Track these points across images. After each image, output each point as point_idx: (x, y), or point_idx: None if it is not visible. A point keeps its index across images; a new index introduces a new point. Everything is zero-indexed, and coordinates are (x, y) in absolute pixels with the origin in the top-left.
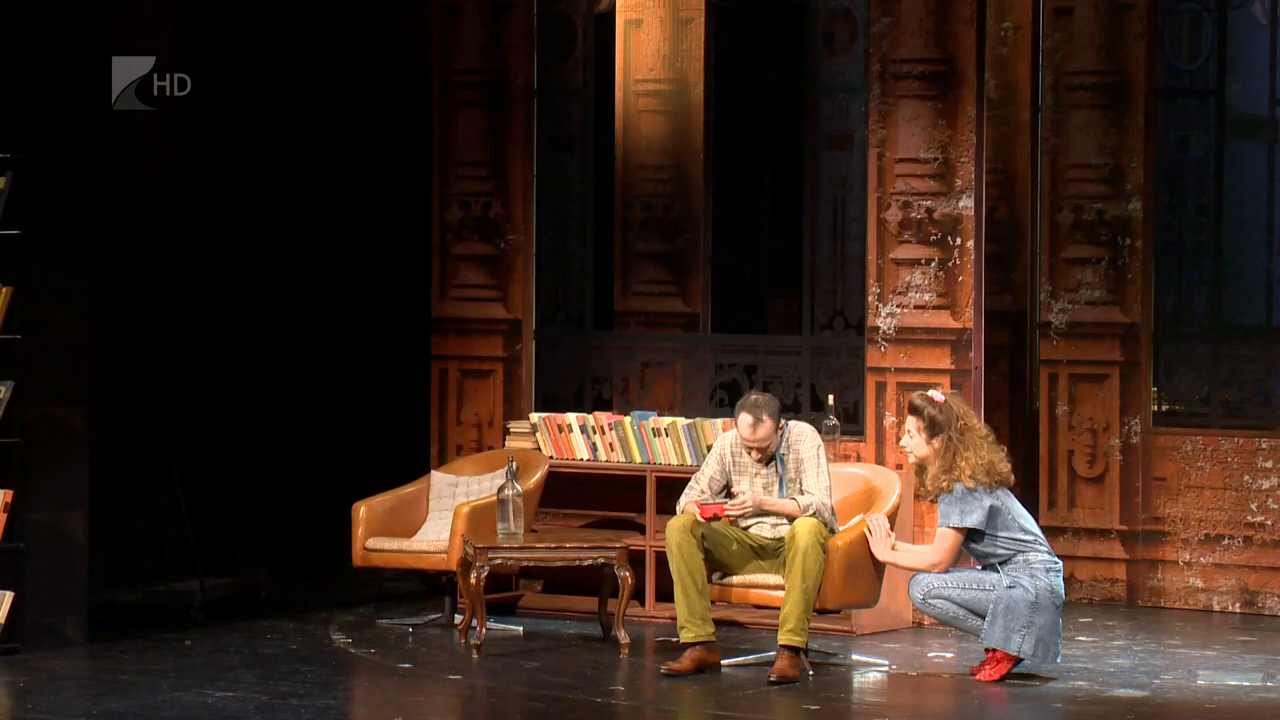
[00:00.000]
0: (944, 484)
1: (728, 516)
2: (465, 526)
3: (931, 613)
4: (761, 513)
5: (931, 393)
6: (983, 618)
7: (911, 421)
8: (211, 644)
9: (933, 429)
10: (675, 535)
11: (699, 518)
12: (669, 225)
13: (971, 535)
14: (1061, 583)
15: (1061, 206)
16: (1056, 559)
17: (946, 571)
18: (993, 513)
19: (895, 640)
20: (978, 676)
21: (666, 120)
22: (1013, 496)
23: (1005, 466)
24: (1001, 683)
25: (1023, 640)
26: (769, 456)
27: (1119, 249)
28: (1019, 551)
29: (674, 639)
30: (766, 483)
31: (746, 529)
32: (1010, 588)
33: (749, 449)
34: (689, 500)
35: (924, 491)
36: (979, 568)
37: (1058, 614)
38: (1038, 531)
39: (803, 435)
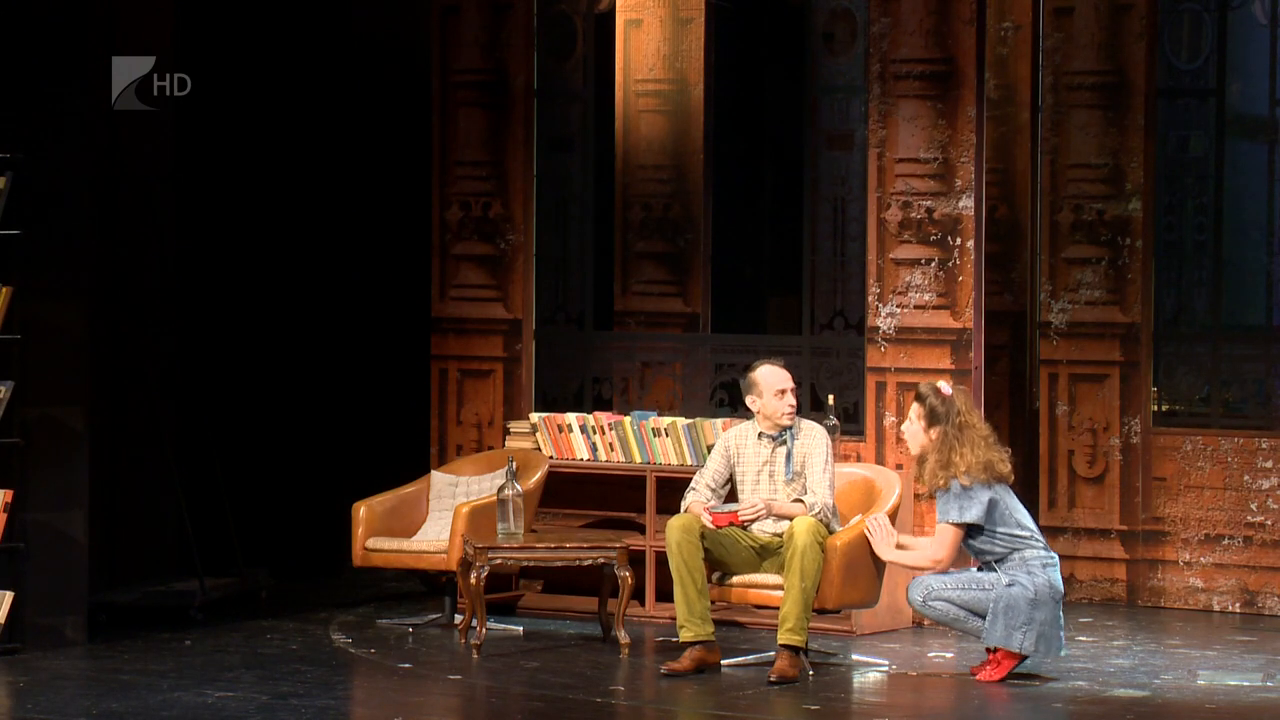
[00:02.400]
0: (940, 481)
1: (742, 523)
2: (465, 526)
3: (931, 614)
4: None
5: (940, 384)
6: (983, 618)
7: (914, 409)
8: (211, 644)
9: (932, 419)
10: (675, 534)
11: (710, 525)
12: (669, 225)
13: (970, 531)
14: (1059, 577)
15: (1061, 206)
16: (1053, 554)
17: (947, 571)
18: (991, 506)
19: (895, 640)
20: (978, 676)
21: (666, 120)
22: (1011, 493)
23: (1005, 467)
24: (1002, 682)
25: (1024, 637)
26: (786, 425)
27: (1119, 249)
28: (1015, 549)
29: (674, 639)
30: (774, 468)
31: (746, 527)
32: (1009, 586)
33: (783, 402)
34: (693, 500)
35: (923, 484)
36: (978, 567)
37: (1058, 608)
38: (1034, 527)
39: (814, 432)
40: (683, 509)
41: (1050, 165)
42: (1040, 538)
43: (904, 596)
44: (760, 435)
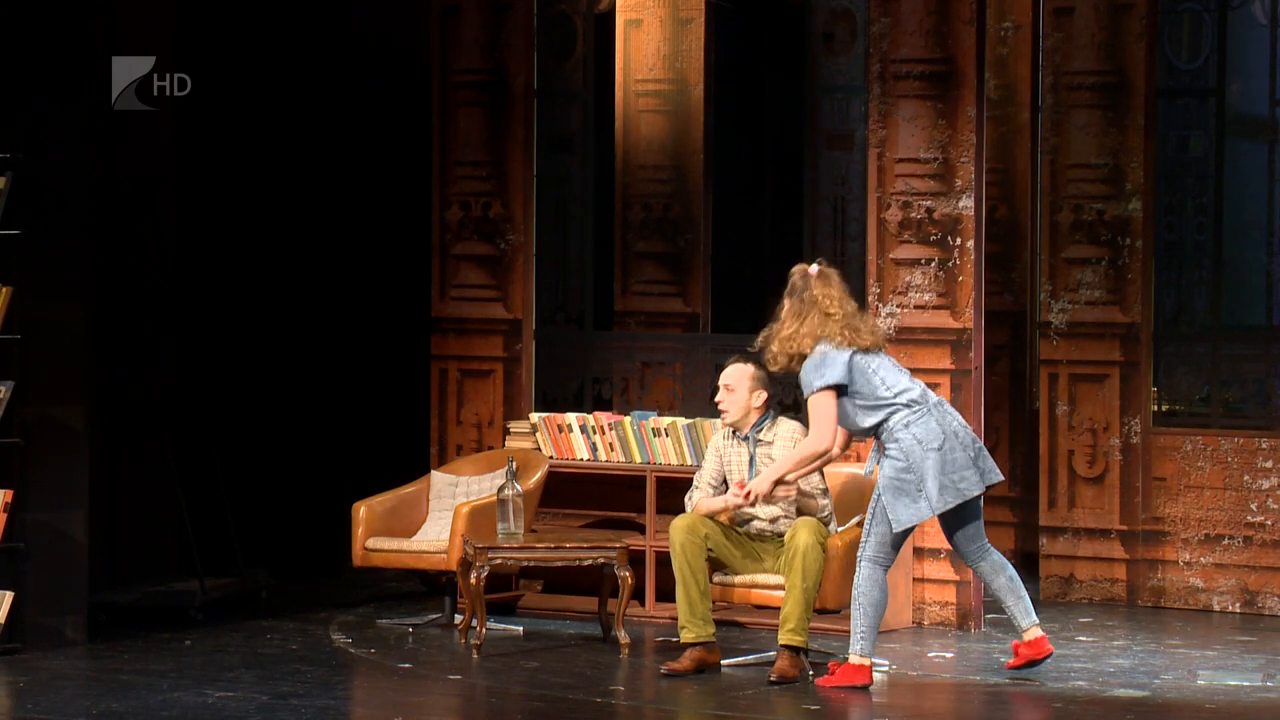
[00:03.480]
0: (787, 353)
1: (753, 499)
2: (465, 526)
3: (862, 587)
4: (771, 498)
5: (812, 265)
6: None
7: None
8: (211, 644)
9: (789, 293)
10: (680, 535)
11: (743, 500)
12: (669, 225)
13: (841, 400)
14: (934, 422)
15: (1061, 206)
16: (919, 406)
17: (842, 449)
18: (854, 368)
19: (895, 640)
20: (1009, 664)
21: (666, 120)
22: (880, 355)
23: (870, 336)
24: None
25: (926, 503)
26: (741, 425)
27: (1119, 249)
28: (884, 418)
29: (674, 639)
30: (752, 467)
31: (745, 523)
32: (883, 471)
33: (719, 403)
34: (700, 498)
35: (773, 358)
36: (877, 452)
37: (943, 453)
38: (902, 384)
39: (796, 432)
40: (689, 508)
41: (1050, 165)
42: (906, 395)
43: (903, 597)
44: (733, 434)
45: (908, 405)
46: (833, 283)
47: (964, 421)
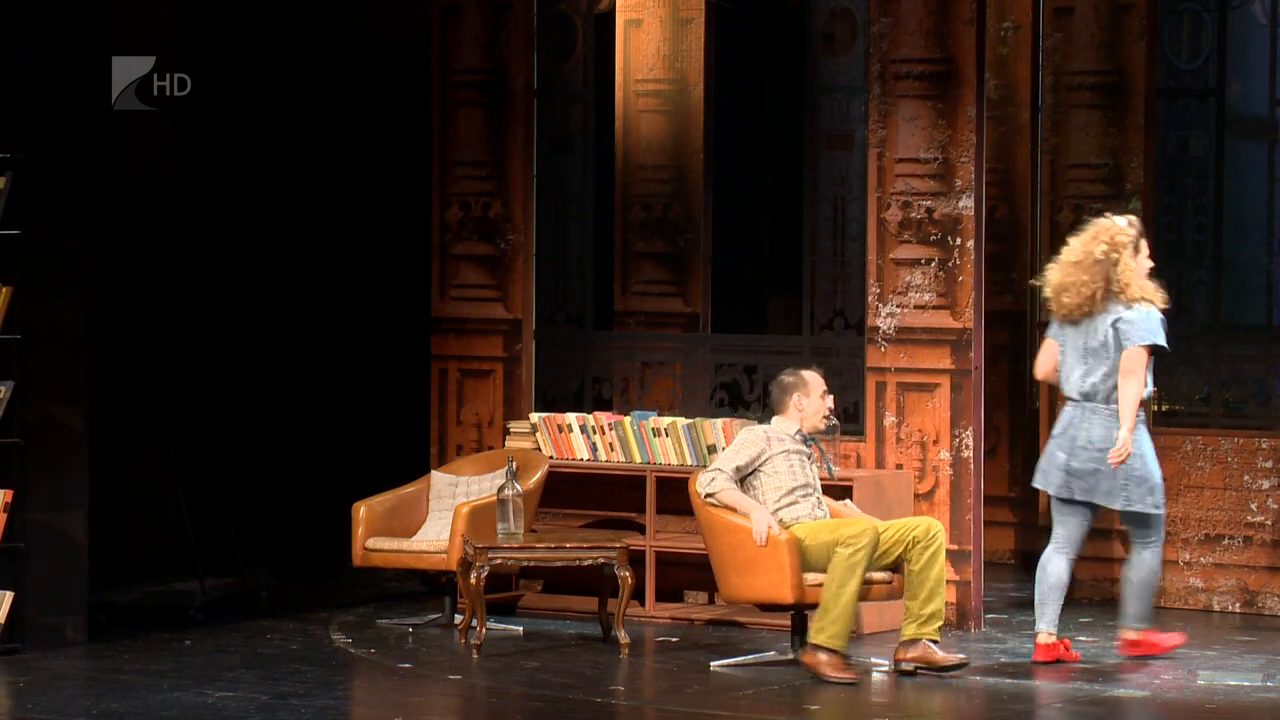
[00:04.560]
0: None
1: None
2: (465, 526)
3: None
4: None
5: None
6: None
7: None
8: (211, 644)
9: None
10: (868, 561)
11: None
12: (669, 225)
13: None
14: (1064, 419)
15: (1061, 206)
16: (1070, 396)
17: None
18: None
19: (895, 640)
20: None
21: (666, 120)
22: (1082, 331)
23: (1060, 304)
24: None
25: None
26: (823, 428)
27: None
28: None
29: (674, 639)
30: (813, 460)
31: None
32: None
33: (825, 404)
34: (723, 484)
35: None
36: None
37: (1054, 441)
38: (1069, 377)
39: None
40: (704, 493)
41: (1050, 165)
42: (1066, 384)
43: None
44: (797, 433)
45: (1066, 393)
46: (1098, 236)
47: (1097, 438)
